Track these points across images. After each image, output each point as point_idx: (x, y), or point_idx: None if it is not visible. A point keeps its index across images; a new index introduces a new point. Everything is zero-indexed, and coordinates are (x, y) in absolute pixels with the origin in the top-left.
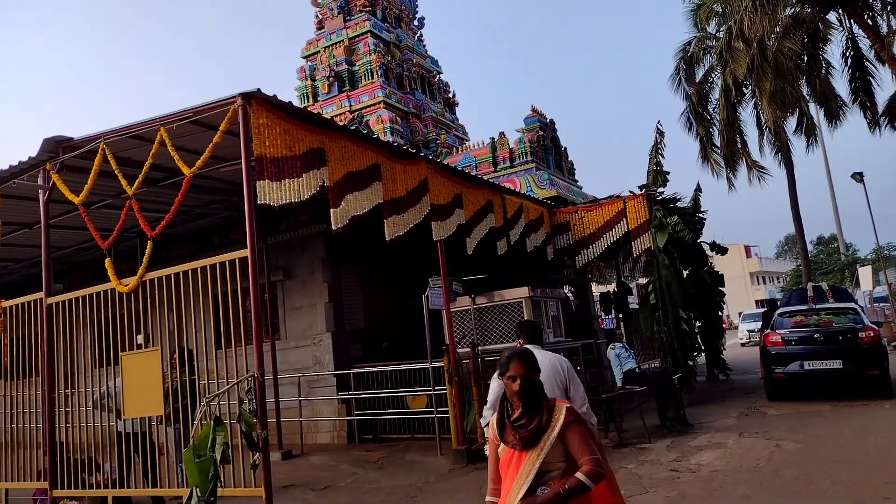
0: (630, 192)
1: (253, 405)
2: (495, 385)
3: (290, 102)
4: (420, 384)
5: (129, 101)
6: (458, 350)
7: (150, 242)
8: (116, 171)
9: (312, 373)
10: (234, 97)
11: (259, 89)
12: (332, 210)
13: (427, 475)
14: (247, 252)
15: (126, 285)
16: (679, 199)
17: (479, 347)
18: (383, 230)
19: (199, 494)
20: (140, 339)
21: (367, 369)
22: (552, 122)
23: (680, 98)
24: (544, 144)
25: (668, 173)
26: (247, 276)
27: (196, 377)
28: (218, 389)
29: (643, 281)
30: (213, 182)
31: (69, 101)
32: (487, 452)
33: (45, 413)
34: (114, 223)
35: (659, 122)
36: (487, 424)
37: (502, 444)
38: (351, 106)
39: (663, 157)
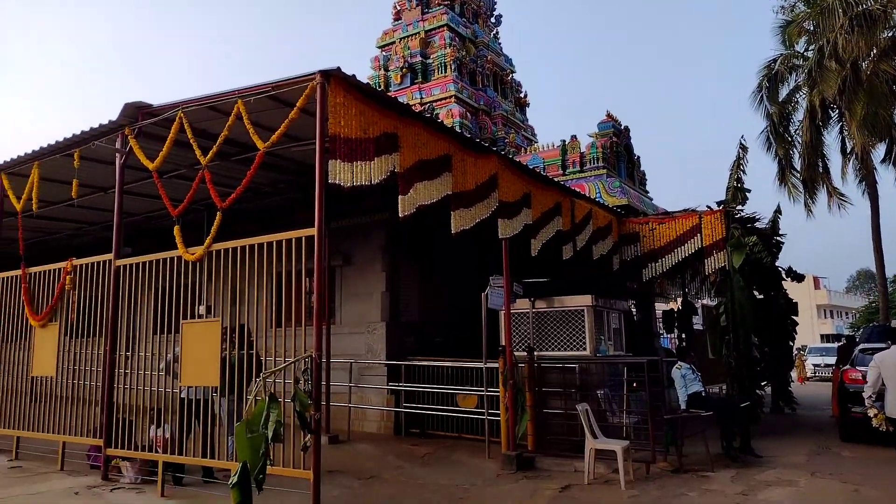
0: (707, 206)
1: (308, 386)
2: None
3: (367, 84)
4: (471, 383)
5: (195, 84)
6: (515, 353)
7: (219, 213)
8: (192, 141)
9: (364, 360)
10: (314, 74)
11: (339, 68)
12: (400, 197)
13: (474, 478)
14: (313, 231)
15: (192, 254)
16: (758, 220)
17: (536, 353)
18: (447, 224)
19: (249, 469)
20: (202, 309)
21: (420, 363)
22: (626, 129)
23: (760, 116)
24: (617, 151)
25: (748, 191)
26: (310, 257)
27: (253, 352)
28: (274, 367)
29: (711, 302)
30: (282, 161)
31: (150, 72)
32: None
33: (105, 372)
34: (184, 193)
35: (742, 137)
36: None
37: None
38: (422, 98)
39: (745, 173)
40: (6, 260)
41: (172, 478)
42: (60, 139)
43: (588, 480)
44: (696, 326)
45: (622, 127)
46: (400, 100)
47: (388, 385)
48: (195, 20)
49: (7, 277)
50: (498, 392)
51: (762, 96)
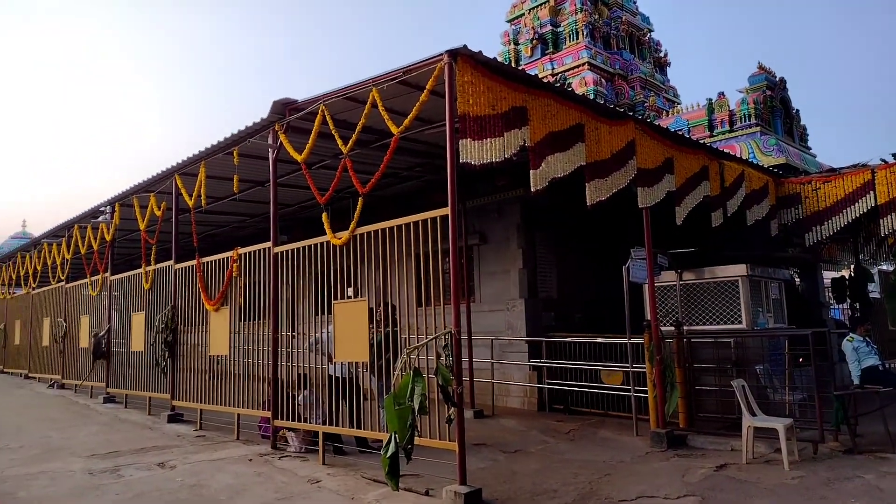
0: (882, 160)
1: (449, 360)
2: None
3: (494, 59)
4: (615, 359)
5: (330, 71)
6: (661, 328)
7: (360, 199)
8: (333, 131)
9: (505, 337)
10: (441, 55)
11: (465, 45)
12: (531, 171)
13: (621, 454)
14: (447, 210)
15: (339, 238)
16: None
17: (685, 327)
18: (583, 196)
19: (398, 440)
20: (350, 291)
21: (561, 338)
22: (782, 80)
23: None
24: (772, 106)
25: None
26: (446, 238)
27: (398, 329)
28: (417, 343)
29: (889, 267)
30: (417, 145)
31: (286, 68)
32: None
33: (271, 351)
34: (329, 183)
35: None
36: None
37: None
38: (553, 69)
39: None
40: (182, 253)
41: (333, 448)
42: (221, 139)
43: (746, 460)
44: (872, 295)
45: (777, 79)
46: (531, 73)
47: (529, 362)
48: (321, 20)
49: (185, 267)
50: (644, 368)
51: None
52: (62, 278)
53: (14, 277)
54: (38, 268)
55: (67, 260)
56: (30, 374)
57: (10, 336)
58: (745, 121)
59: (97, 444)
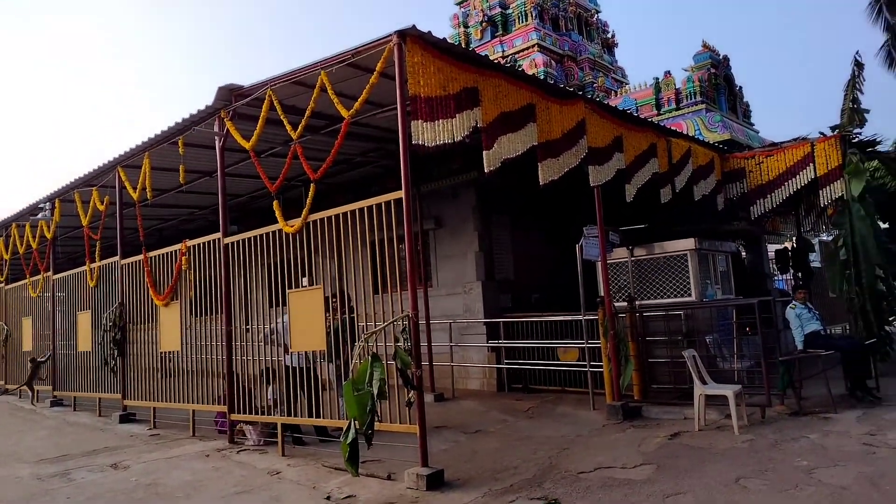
0: (820, 133)
1: (408, 344)
2: None
3: (444, 40)
4: (571, 337)
5: (284, 53)
6: (615, 304)
7: (312, 185)
8: (282, 116)
9: (463, 320)
10: (390, 36)
11: (414, 25)
12: (484, 152)
13: (579, 428)
14: (401, 193)
15: (292, 226)
16: (879, 142)
17: (638, 302)
18: (535, 177)
19: (358, 426)
20: (305, 281)
21: (518, 319)
22: (726, 58)
23: (880, 30)
24: (716, 83)
25: (866, 111)
26: (401, 223)
27: (355, 316)
28: (375, 329)
29: (828, 237)
30: (369, 130)
31: (236, 51)
32: None
33: (225, 345)
34: (280, 171)
35: (857, 52)
36: None
37: None
38: (504, 52)
39: (861, 92)
40: (128, 249)
41: (292, 439)
42: (164, 128)
43: (699, 427)
44: (813, 265)
45: (721, 57)
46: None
47: (487, 343)
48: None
49: (131, 263)
50: (599, 344)
51: (881, 6)
52: (0, 280)
53: None
54: None
55: (6, 260)
56: None
57: None
58: (690, 98)
59: (45, 448)
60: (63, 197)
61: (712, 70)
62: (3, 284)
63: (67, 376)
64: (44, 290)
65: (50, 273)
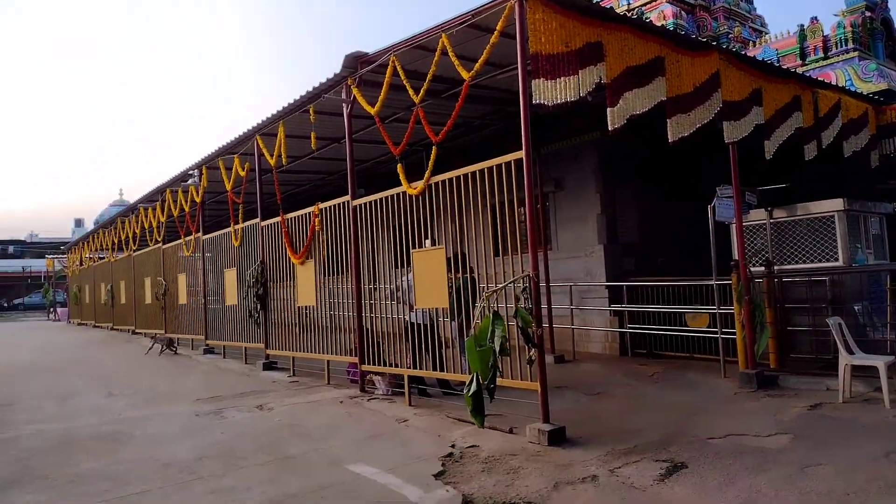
0: None
1: (528, 303)
2: None
3: None
4: (700, 302)
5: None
6: (751, 268)
7: (434, 148)
8: (405, 81)
9: (584, 284)
10: None
11: None
12: (608, 109)
13: (708, 395)
14: (521, 154)
15: (415, 188)
16: None
17: (776, 266)
18: (663, 134)
19: (480, 380)
20: (427, 243)
21: (642, 283)
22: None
23: None
24: (872, 28)
25: None
26: (521, 186)
27: (476, 276)
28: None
29: None
30: (489, 92)
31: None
32: None
33: (355, 302)
34: (402, 136)
35: None
36: None
37: None
38: (630, 4)
39: None
40: (267, 212)
41: (418, 390)
42: (296, 97)
43: (843, 399)
44: None
45: None
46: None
47: (610, 307)
48: None
49: (270, 224)
50: (732, 310)
51: None
52: (159, 240)
53: (115, 242)
54: (137, 231)
55: (162, 223)
56: (136, 331)
57: (117, 296)
58: (841, 46)
59: (200, 390)
60: (209, 164)
61: (867, 13)
62: (161, 244)
63: (217, 327)
64: (195, 249)
65: (200, 234)
